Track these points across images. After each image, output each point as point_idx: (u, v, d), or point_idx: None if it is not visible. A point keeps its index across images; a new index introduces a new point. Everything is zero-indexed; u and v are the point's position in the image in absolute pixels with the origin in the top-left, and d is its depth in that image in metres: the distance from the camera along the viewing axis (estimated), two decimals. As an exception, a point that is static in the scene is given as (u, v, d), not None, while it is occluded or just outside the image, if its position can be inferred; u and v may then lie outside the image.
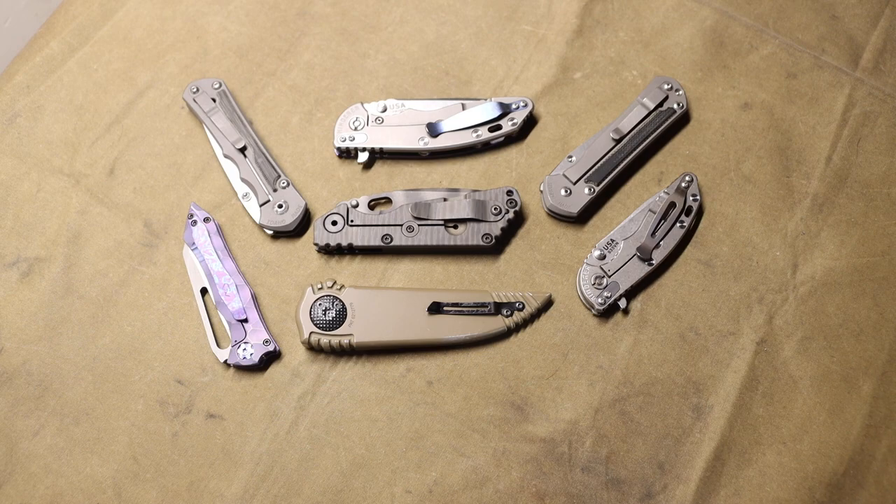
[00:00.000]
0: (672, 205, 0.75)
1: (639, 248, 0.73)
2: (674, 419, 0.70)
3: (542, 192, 0.77)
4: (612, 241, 0.74)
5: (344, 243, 0.74)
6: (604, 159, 0.77)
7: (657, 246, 0.74)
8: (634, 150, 0.77)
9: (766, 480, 0.68)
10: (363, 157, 0.78)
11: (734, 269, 0.75)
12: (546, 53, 0.84)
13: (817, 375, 0.71)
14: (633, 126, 0.78)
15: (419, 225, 0.74)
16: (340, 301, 0.71)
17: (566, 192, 0.76)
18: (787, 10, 0.86)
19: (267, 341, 0.71)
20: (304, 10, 0.86)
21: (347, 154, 0.79)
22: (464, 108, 0.79)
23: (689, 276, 0.75)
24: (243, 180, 0.76)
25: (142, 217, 0.77)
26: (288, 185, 0.76)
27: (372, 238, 0.74)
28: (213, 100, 0.79)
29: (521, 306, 0.72)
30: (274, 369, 0.72)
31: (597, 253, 0.73)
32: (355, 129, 0.79)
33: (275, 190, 0.76)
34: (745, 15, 0.85)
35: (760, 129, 0.80)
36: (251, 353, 0.70)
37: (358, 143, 0.78)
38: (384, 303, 0.72)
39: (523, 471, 0.68)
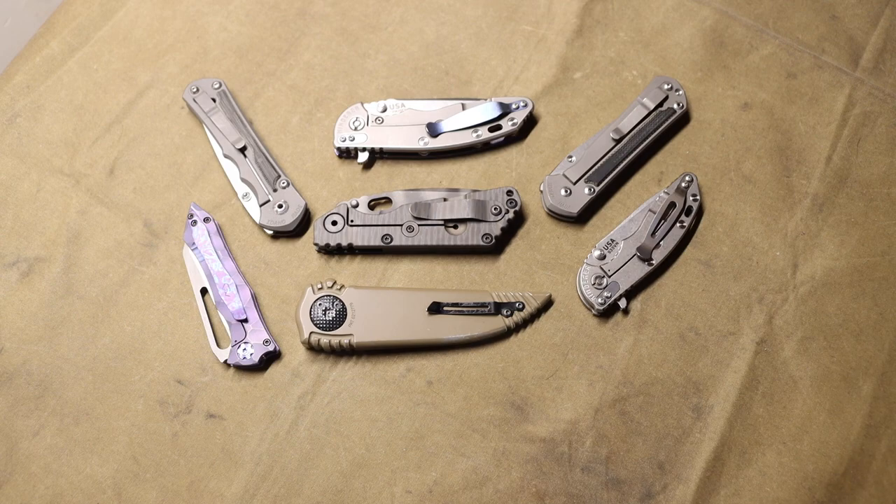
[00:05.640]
0: (672, 205, 0.75)
1: (639, 248, 0.73)
2: (674, 419, 0.70)
3: (542, 192, 0.77)
4: (612, 241, 0.74)
5: (344, 243, 0.74)
6: (604, 159, 0.77)
7: (657, 246, 0.74)
8: (634, 150, 0.77)
9: (766, 480, 0.68)
10: (363, 157, 0.78)
11: (734, 269, 0.75)
12: (546, 53, 0.84)
13: (817, 375, 0.71)
14: (633, 126, 0.78)
15: (419, 225, 0.74)
16: (340, 301, 0.71)
17: (566, 192, 0.76)
18: (787, 10, 0.86)
19: (267, 341, 0.71)
20: (304, 10, 0.86)
21: (347, 154, 0.79)
22: (464, 108, 0.79)
23: (689, 276, 0.75)
24: (243, 180, 0.76)
25: (142, 217, 0.77)
26: (288, 185, 0.76)
27: (372, 238, 0.74)
28: (213, 100, 0.79)
29: (521, 306, 0.72)
30: (274, 369, 0.72)
31: (597, 253, 0.73)
32: (355, 129, 0.79)
33: (275, 190, 0.76)
34: (745, 15, 0.85)
35: (760, 129, 0.80)
36: (251, 353, 0.70)
37: (358, 143, 0.78)
38: (384, 303, 0.72)
39: (523, 471, 0.68)
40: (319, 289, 0.72)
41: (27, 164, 0.79)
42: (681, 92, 0.80)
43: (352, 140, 0.78)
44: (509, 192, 0.76)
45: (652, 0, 0.86)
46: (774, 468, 0.68)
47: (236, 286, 0.72)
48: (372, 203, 0.76)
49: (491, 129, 0.79)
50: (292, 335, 0.73)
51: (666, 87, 0.79)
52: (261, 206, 0.75)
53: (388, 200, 0.76)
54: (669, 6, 0.86)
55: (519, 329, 0.73)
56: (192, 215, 0.75)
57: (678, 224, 0.75)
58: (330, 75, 0.83)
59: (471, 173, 0.79)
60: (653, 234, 0.74)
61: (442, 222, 0.74)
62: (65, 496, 0.67)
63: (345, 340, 0.70)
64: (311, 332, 0.70)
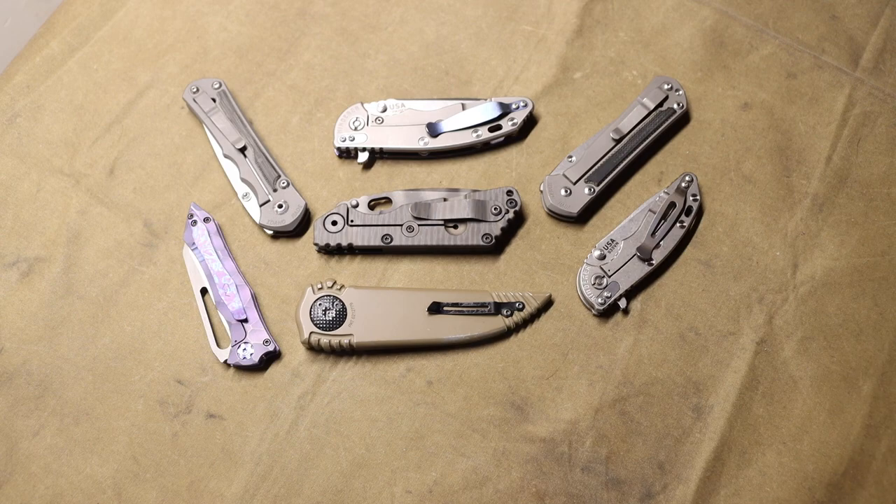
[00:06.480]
0: (672, 205, 0.75)
1: (639, 248, 0.73)
2: (674, 419, 0.70)
3: (542, 192, 0.77)
4: (612, 241, 0.74)
5: (344, 243, 0.74)
6: (604, 159, 0.77)
7: (657, 246, 0.74)
8: (634, 150, 0.77)
9: (766, 480, 0.68)
10: (363, 157, 0.78)
11: (734, 269, 0.75)
12: (546, 53, 0.84)
13: (817, 375, 0.71)
14: (633, 126, 0.78)
15: (419, 225, 0.74)
16: (340, 301, 0.71)
17: (566, 192, 0.76)
18: (787, 10, 0.86)
19: (267, 341, 0.71)
20: (304, 10, 0.86)
21: (347, 154, 0.79)
22: (464, 108, 0.79)
23: (689, 276, 0.75)
24: (243, 180, 0.76)
25: (142, 217, 0.77)
26: (288, 185, 0.76)
27: (372, 238, 0.74)
28: (213, 100, 0.79)
29: (521, 306, 0.72)
30: (274, 369, 0.72)
31: (597, 253, 0.73)
32: (355, 129, 0.79)
33: (275, 190, 0.76)
34: (745, 15, 0.85)
35: (760, 129, 0.80)
36: (251, 353, 0.70)
37: (358, 143, 0.78)
38: (384, 303, 0.72)
39: (523, 471, 0.68)
40: (319, 289, 0.72)
41: (27, 164, 0.79)
42: (681, 92, 0.80)
43: (352, 140, 0.78)
44: (509, 192, 0.76)
45: (652, 0, 0.86)
46: (774, 468, 0.68)
47: (236, 286, 0.72)
48: (372, 203, 0.76)
49: (491, 129, 0.79)
50: (292, 335, 0.73)
51: (666, 87, 0.79)
52: (261, 206, 0.75)
53: (388, 200, 0.76)
54: (669, 6, 0.86)
55: (519, 329, 0.73)
56: (192, 215, 0.75)
57: (678, 224, 0.75)
58: (330, 75, 0.83)
59: (471, 173, 0.79)
60: (653, 234, 0.74)
61: (442, 222, 0.74)
62: (65, 496, 0.67)
63: (345, 340, 0.70)
64: (311, 332, 0.70)
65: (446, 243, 0.74)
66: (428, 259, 0.76)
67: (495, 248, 0.75)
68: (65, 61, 0.83)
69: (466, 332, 0.71)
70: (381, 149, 0.78)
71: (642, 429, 0.69)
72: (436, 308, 0.71)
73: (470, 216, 0.74)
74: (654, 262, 0.73)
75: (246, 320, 0.72)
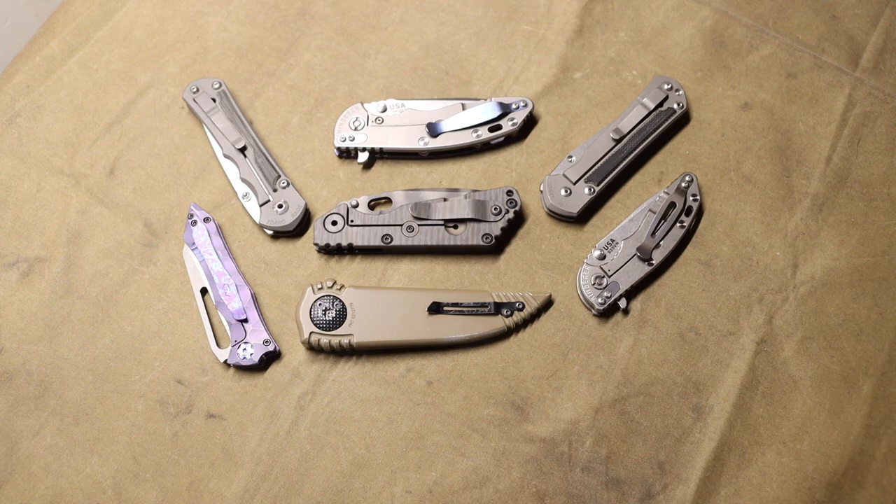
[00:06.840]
0: (672, 205, 0.75)
1: (639, 248, 0.73)
2: (674, 419, 0.70)
3: (542, 192, 0.77)
4: (612, 241, 0.74)
5: (344, 243, 0.74)
6: (604, 159, 0.77)
7: (657, 246, 0.74)
8: (634, 150, 0.77)
9: (766, 480, 0.68)
10: (363, 157, 0.78)
11: (734, 269, 0.75)
12: (546, 53, 0.84)
13: (817, 375, 0.71)
14: (633, 126, 0.78)
15: (419, 225, 0.74)
16: (340, 301, 0.71)
17: (566, 192, 0.76)
18: (787, 10, 0.86)
19: (267, 341, 0.71)
20: (304, 10, 0.86)
21: (347, 154, 0.79)
22: (464, 108, 0.79)
23: (689, 276, 0.75)
24: (243, 180, 0.76)
25: (142, 217, 0.77)
26: (288, 185, 0.76)
27: (372, 238, 0.74)
28: (213, 100, 0.79)
29: (521, 306, 0.72)
30: (274, 369, 0.72)
31: (597, 253, 0.73)
32: (355, 129, 0.79)
33: (275, 190, 0.76)
34: (745, 15, 0.85)
35: (760, 129, 0.80)
36: (251, 353, 0.70)
37: (358, 143, 0.78)
38: (384, 303, 0.72)
39: (523, 471, 0.68)
40: (319, 289, 0.72)
41: (27, 164, 0.79)
42: (681, 92, 0.80)
43: (352, 140, 0.78)
44: (509, 192, 0.76)
45: (652, 0, 0.86)
46: (774, 468, 0.68)
47: (236, 286, 0.72)
48: (372, 203, 0.76)
49: (491, 129, 0.79)
50: (292, 335, 0.73)
51: (666, 87, 0.79)
52: (261, 206, 0.75)
53: (388, 200, 0.76)
54: (669, 6, 0.86)
55: (519, 329, 0.73)
56: (192, 215, 0.75)
57: (678, 224, 0.75)
58: (330, 75, 0.83)
59: (471, 173, 0.79)
60: (653, 234, 0.74)
61: (442, 222, 0.74)
62: (65, 496, 0.67)
63: (345, 340, 0.70)
64: (311, 332, 0.70)
65: (446, 243, 0.74)
66: (428, 259, 0.76)
67: (495, 248, 0.75)
68: (65, 61, 0.83)
69: (466, 332, 0.71)
70: (381, 149, 0.78)
71: (642, 429, 0.69)
72: (436, 308, 0.71)
73: (470, 216, 0.74)
74: (654, 262, 0.73)
75: (246, 320, 0.72)
